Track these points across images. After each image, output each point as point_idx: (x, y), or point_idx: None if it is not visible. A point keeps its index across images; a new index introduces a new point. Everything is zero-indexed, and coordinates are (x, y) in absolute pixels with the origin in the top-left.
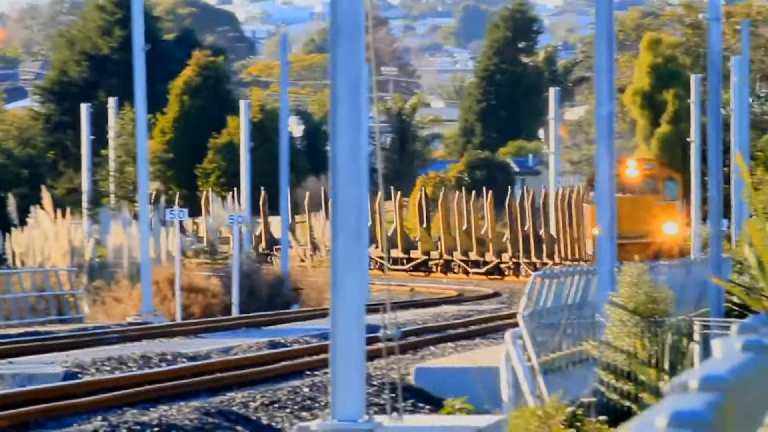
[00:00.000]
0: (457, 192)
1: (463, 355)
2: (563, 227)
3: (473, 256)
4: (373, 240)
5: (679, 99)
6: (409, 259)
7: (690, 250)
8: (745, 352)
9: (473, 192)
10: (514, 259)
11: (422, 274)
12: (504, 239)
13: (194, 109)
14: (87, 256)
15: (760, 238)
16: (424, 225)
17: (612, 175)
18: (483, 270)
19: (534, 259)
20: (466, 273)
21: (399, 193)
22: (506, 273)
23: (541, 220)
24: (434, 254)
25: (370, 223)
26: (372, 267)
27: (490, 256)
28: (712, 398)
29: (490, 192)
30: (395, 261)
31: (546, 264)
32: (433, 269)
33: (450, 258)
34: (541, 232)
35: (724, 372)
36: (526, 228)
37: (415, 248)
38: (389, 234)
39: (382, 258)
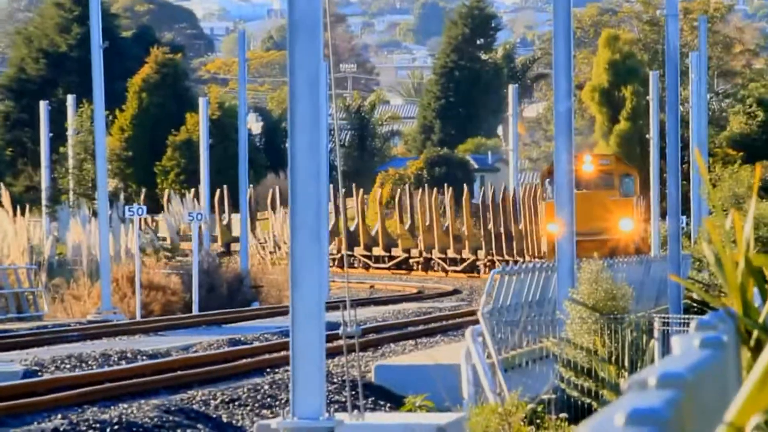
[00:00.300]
0: (421, 189)
1: (424, 352)
2: (529, 224)
3: (451, 253)
4: (356, 240)
5: (637, 96)
6: (391, 257)
7: (647, 247)
8: (703, 349)
9: (434, 189)
10: (489, 257)
11: (404, 272)
12: (479, 237)
13: (153, 106)
14: (46, 253)
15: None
16: (408, 224)
17: (570, 171)
18: (460, 268)
19: (506, 257)
20: (445, 272)
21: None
22: (483, 271)
23: (510, 216)
24: (414, 252)
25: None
26: (357, 266)
27: (466, 254)
28: (671, 395)
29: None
30: (377, 259)
31: (517, 261)
32: (414, 267)
33: (429, 256)
34: (512, 229)
35: (683, 369)
36: (498, 225)
37: (396, 246)
38: (351, 230)
39: (367, 257)
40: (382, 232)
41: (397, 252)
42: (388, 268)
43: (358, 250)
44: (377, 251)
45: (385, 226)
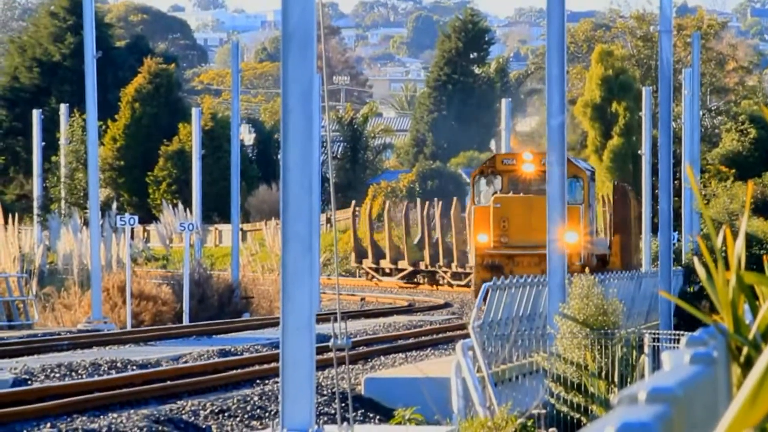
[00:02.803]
0: (418, 201)
1: (414, 365)
2: None
3: (455, 267)
4: (364, 252)
5: (629, 111)
6: (399, 270)
7: (600, 264)
8: (693, 364)
9: (426, 202)
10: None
11: (411, 286)
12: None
13: (145, 116)
14: (37, 262)
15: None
16: (417, 238)
17: (562, 186)
18: (464, 282)
19: None
20: (450, 285)
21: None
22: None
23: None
24: (422, 265)
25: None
26: (365, 277)
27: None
28: (661, 410)
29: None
30: (385, 272)
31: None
32: (421, 281)
33: (435, 269)
34: None
35: (673, 384)
36: None
37: (403, 259)
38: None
39: (374, 269)
40: (389, 245)
41: (404, 264)
42: (403, 280)
43: (366, 262)
44: (384, 264)
45: (373, 239)
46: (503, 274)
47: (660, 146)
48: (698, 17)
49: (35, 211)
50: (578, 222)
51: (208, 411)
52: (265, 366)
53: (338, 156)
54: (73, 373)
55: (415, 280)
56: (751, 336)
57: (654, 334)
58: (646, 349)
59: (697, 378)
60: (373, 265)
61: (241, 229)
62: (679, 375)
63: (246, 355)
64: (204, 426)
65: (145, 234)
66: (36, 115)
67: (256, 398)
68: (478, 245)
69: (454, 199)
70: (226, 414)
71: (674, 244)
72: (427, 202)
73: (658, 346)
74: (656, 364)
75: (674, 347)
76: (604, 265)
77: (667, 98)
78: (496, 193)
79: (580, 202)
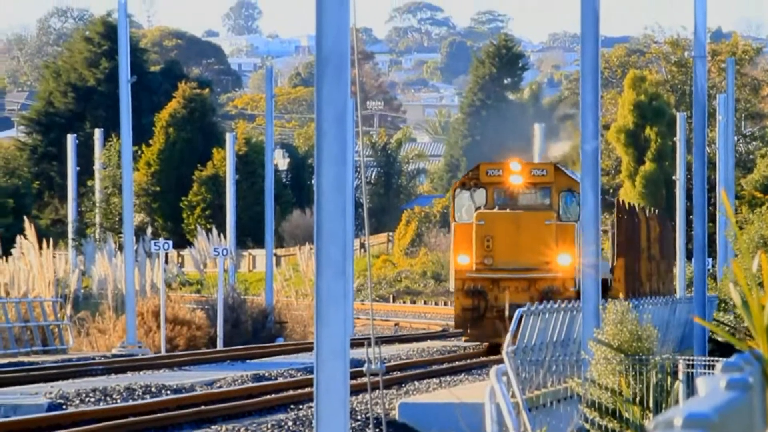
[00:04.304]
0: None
1: (448, 390)
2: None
3: None
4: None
5: (662, 137)
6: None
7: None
8: (729, 390)
9: None
10: None
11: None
12: None
13: (180, 141)
14: (72, 287)
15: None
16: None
17: (597, 214)
18: None
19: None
20: None
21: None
22: None
23: None
24: None
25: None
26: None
27: None
28: None
29: None
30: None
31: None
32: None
33: None
34: None
35: (708, 410)
36: None
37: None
38: None
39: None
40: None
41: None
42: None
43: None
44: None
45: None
46: (486, 302)
47: (694, 172)
48: (733, 43)
49: (70, 235)
50: (573, 242)
51: None
52: (300, 391)
53: (372, 181)
54: (108, 398)
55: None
56: None
57: (688, 360)
58: (681, 376)
59: (732, 404)
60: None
61: (275, 254)
62: (714, 400)
63: (280, 379)
64: None
65: (180, 259)
66: (71, 139)
67: (290, 423)
68: (458, 268)
69: None
70: None
71: (709, 270)
72: None
73: (692, 373)
74: (690, 391)
75: (709, 373)
76: (606, 291)
77: (701, 124)
78: (479, 208)
79: (575, 219)
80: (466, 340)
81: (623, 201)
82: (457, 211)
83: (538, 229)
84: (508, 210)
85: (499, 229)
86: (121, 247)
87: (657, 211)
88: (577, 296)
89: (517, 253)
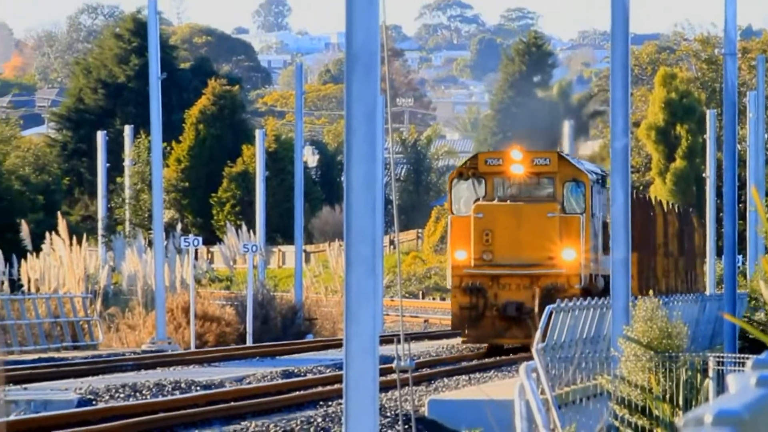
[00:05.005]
0: None
1: (478, 387)
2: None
3: None
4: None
5: (692, 134)
6: None
7: (593, 284)
8: (759, 387)
9: None
10: None
11: None
12: None
13: (209, 137)
14: (102, 283)
15: None
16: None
17: (627, 211)
18: None
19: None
20: None
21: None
22: None
23: None
24: None
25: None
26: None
27: None
28: None
29: None
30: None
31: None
32: None
33: None
34: None
35: (739, 407)
36: None
37: None
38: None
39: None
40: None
41: None
42: None
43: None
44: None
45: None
46: (486, 300)
47: (725, 169)
48: (763, 40)
49: (100, 231)
50: (578, 236)
51: None
52: (329, 387)
53: (402, 178)
54: (138, 394)
55: None
56: None
57: (718, 357)
58: (711, 373)
59: (763, 401)
60: None
61: (305, 251)
62: (744, 398)
63: (309, 376)
64: None
65: (209, 255)
66: (101, 136)
67: (319, 419)
68: (455, 263)
69: None
70: None
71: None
72: None
73: (722, 370)
74: (720, 388)
75: (739, 371)
76: None
77: (732, 121)
78: (478, 200)
79: (580, 212)
80: (464, 341)
81: (636, 193)
82: (454, 203)
83: (541, 222)
84: (508, 202)
85: (499, 222)
86: (150, 244)
87: (678, 207)
88: (583, 293)
89: (518, 247)
